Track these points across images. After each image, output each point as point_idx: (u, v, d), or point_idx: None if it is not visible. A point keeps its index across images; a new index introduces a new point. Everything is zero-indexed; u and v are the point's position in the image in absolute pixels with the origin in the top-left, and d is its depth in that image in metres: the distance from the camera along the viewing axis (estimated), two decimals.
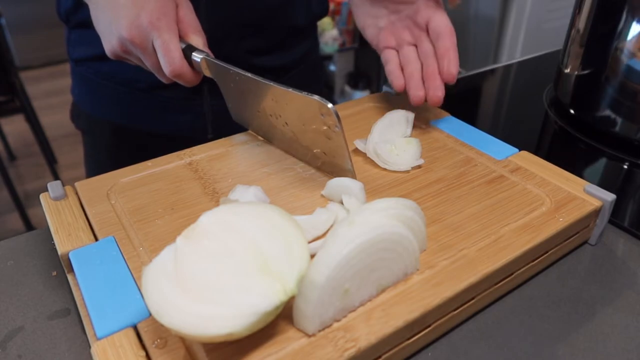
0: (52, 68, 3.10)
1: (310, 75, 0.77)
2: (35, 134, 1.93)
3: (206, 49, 0.49)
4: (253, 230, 0.32)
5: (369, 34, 0.62)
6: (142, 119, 0.68)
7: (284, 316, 0.32)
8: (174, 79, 0.49)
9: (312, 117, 0.44)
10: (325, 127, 0.44)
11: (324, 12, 0.75)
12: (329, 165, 0.47)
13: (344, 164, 0.46)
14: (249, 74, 0.46)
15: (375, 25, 0.61)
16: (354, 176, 0.46)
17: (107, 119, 0.70)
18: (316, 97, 0.42)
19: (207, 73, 0.50)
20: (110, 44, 0.49)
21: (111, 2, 0.48)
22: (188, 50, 0.48)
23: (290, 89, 0.44)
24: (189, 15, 0.50)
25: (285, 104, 0.46)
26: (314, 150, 0.47)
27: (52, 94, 2.82)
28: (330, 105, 0.42)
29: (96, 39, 0.65)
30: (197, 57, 0.48)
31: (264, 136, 0.54)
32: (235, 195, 0.43)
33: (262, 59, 0.67)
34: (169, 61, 0.47)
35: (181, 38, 0.49)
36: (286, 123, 0.48)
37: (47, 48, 3.02)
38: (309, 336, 0.32)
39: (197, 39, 0.50)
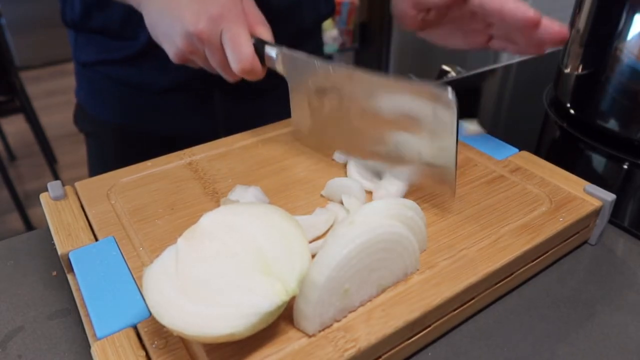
0: (52, 68, 3.10)
1: None
2: (35, 134, 1.93)
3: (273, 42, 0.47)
4: (254, 231, 0.32)
5: None
6: (152, 122, 0.68)
7: (284, 316, 0.32)
8: (242, 75, 0.47)
9: (421, 110, 0.40)
10: (434, 122, 0.39)
11: (330, 12, 0.74)
12: (424, 171, 0.43)
13: (445, 171, 0.41)
14: (344, 65, 0.44)
15: None
16: (453, 188, 0.42)
17: (114, 121, 0.70)
18: (431, 85, 0.38)
19: (280, 69, 0.47)
20: (174, 46, 0.47)
21: (172, 3, 0.46)
22: (259, 44, 0.46)
23: (396, 79, 0.40)
24: (252, 7, 0.48)
25: (385, 96, 0.42)
26: (407, 154, 0.43)
27: (52, 93, 2.82)
28: (450, 94, 0.37)
29: (106, 43, 0.65)
30: (271, 51, 0.46)
31: (337, 147, 0.49)
32: (234, 196, 0.43)
33: None
34: (239, 57, 0.45)
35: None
36: (375, 123, 0.44)
37: (47, 48, 3.02)
38: (309, 336, 0.32)
39: (266, 32, 0.48)
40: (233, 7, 0.45)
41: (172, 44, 0.47)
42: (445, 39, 0.55)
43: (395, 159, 0.45)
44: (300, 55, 0.46)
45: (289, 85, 0.50)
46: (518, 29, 0.45)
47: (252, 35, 0.47)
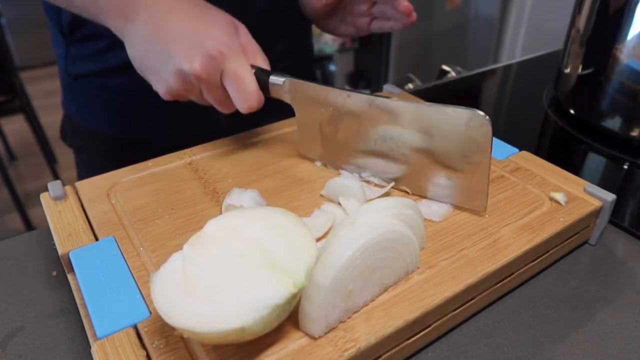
0: (52, 68, 3.07)
1: (309, 75, 0.76)
2: (35, 134, 1.93)
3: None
4: (258, 231, 0.32)
5: None
6: (153, 132, 0.66)
7: None
8: (247, 112, 0.45)
9: (451, 133, 0.40)
10: (468, 146, 0.40)
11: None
12: (450, 193, 0.43)
13: (477, 191, 0.41)
14: (362, 92, 0.42)
15: None
16: (484, 204, 0.42)
17: (109, 133, 0.67)
18: (464, 108, 0.38)
19: (287, 98, 0.46)
20: (166, 83, 0.44)
21: (161, 33, 0.43)
22: (260, 74, 0.44)
23: (425, 103, 0.40)
24: (249, 39, 0.46)
25: (411, 120, 0.41)
26: (433, 178, 0.43)
27: (52, 94, 2.82)
28: (486, 117, 0.37)
29: (101, 52, 0.61)
30: (277, 80, 0.44)
31: (350, 169, 0.48)
32: (231, 199, 0.43)
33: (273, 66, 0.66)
34: (244, 97, 0.43)
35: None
36: (397, 146, 0.43)
37: (47, 48, 2.98)
38: (315, 338, 0.32)
39: (264, 63, 0.46)
40: (232, 42, 0.43)
41: (162, 81, 0.44)
42: (338, 28, 0.62)
43: (416, 183, 0.44)
44: (311, 84, 0.44)
45: (296, 112, 0.48)
46: (387, 2, 0.53)
47: (252, 66, 0.45)
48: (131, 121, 0.66)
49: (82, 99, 0.68)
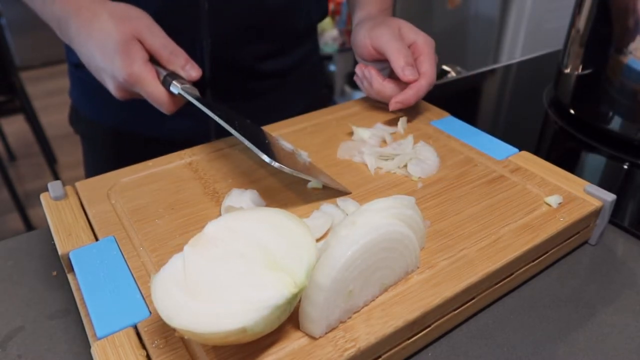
0: (52, 68, 3.09)
1: (309, 78, 0.77)
2: (35, 134, 1.93)
3: (186, 68, 0.49)
4: (258, 232, 0.32)
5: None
6: (143, 124, 0.67)
7: None
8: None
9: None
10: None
11: (323, 16, 0.75)
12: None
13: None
14: (222, 121, 0.45)
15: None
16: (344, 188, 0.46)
17: (106, 123, 0.69)
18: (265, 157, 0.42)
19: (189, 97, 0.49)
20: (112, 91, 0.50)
21: (92, 67, 0.49)
22: (169, 78, 0.47)
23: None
24: (157, 39, 0.48)
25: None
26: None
27: (52, 94, 2.82)
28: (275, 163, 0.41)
29: None
30: (174, 89, 0.47)
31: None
32: (230, 200, 0.43)
33: (265, 64, 0.67)
34: (161, 107, 0.48)
35: (162, 66, 0.49)
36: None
37: (47, 48, 3.02)
38: (315, 338, 0.32)
39: (178, 63, 0.49)
40: (132, 63, 0.46)
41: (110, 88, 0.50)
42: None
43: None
44: (193, 99, 0.47)
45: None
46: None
47: (164, 70, 0.48)
48: (121, 112, 0.67)
49: (80, 87, 0.70)
